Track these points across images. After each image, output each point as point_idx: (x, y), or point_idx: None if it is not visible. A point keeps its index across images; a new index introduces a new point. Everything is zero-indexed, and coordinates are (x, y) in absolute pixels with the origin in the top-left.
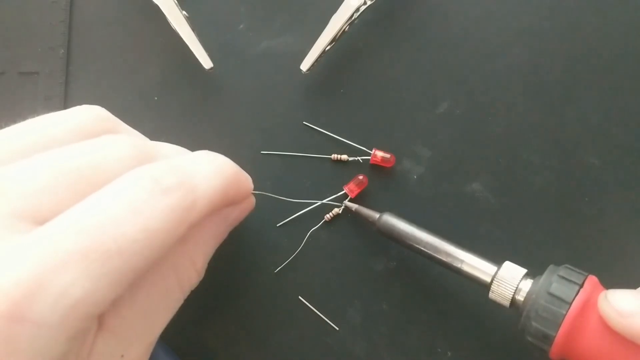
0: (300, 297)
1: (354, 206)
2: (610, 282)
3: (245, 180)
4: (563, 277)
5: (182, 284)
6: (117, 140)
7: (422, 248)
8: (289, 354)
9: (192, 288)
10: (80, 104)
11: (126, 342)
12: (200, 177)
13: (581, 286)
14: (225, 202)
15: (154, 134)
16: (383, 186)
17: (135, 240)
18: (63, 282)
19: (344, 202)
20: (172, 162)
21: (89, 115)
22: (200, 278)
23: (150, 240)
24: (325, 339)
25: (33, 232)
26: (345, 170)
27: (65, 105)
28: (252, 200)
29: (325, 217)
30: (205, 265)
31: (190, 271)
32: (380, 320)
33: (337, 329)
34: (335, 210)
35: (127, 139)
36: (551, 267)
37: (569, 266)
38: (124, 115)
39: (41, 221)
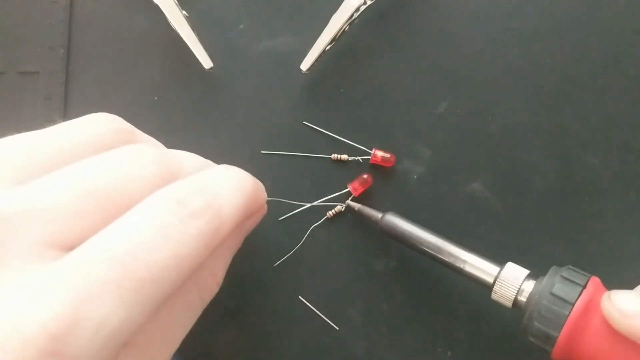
0: (300, 297)
1: (356, 205)
2: (612, 282)
3: (262, 192)
4: (566, 278)
5: (203, 296)
6: (140, 155)
7: (425, 248)
8: (289, 354)
9: (212, 298)
10: (80, 103)
11: (148, 355)
12: (224, 197)
13: (584, 287)
14: (247, 217)
15: (154, 134)
16: (383, 186)
17: (166, 267)
18: (100, 314)
19: (347, 201)
20: (196, 182)
21: (109, 127)
22: (219, 287)
23: (181, 266)
24: (325, 339)
25: (64, 260)
26: (345, 170)
27: (65, 105)
28: (265, 207)
29: (327, 213)
30: (224, 275)
31: (211, 283)
32: (380, 320)
33: (337, 328)
34: (338, 208)
35: (150, 154)
36: (554, 268)
37: (571, 267)
38: (124, 115)
39: (70, 247)
